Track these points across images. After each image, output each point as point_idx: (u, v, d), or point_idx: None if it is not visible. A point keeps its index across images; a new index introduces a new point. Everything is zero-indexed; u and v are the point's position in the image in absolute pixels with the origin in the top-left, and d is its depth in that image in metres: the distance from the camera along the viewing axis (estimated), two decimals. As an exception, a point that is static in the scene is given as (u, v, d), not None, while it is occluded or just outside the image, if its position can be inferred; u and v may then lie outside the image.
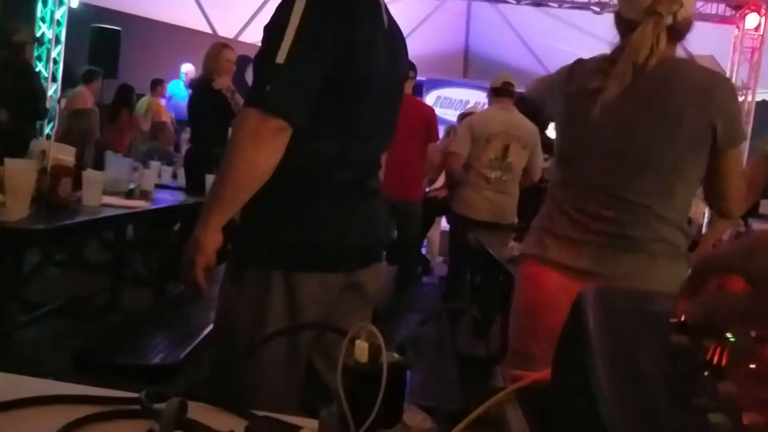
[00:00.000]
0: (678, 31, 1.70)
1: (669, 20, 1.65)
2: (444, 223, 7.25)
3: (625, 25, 1.76)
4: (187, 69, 9.28)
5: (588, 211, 1.71)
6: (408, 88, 4.54)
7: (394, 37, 1.64)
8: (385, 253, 1.77)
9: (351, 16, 1.46)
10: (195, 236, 1.45)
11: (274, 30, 1.40)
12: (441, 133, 5.56)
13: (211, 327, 2.73)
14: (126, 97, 7.40)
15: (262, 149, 1.40)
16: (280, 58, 1.37)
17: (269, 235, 1.53)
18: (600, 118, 1.67)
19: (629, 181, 1.69)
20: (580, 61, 1.85)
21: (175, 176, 4.80)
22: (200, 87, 4.63)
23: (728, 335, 0.50)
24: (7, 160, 2.25)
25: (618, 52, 1.72)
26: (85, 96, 7.29)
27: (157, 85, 8.96)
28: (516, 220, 4.41)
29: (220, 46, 4.69)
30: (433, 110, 5.17)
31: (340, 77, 1.46)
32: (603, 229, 1.69)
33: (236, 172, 1.42)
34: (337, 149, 1.52)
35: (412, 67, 4.62)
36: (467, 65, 11.82)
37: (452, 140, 5.06)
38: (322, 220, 1.53)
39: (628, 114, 1.68)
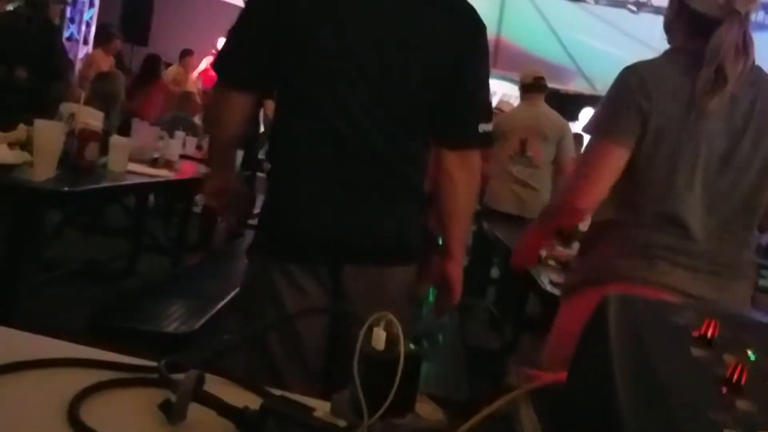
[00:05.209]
0: None
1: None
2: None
3: (693, 20, 1.59)
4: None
5: (703, 239, 1.60)
6: None
7: (401, 10, 1.49)
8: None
9: None
10: None
11: None
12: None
13: (226, 299, 2.76)
14: (155, 67, 7.36)
15: (215, 107, 1.64)
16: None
17: (261, 220, 1.58)
18: (705, 140, 1.57)
19: (739, 211, 1.61)
20: (647, 69, 1.64)
21: (200, 148, 4.82)
22: None
23: (749, 353, 0.50)
24: (37, 121, 2.27)
25: (695, 55, 1.56)
26: (99, 58, 7.28)
27: (186, 56, 8.98)
28: None
29: None
30: None
31: (292, 48, 1.46)
32: (719, 255, 1.61)
33: (207, 129, 1.74)
34: (312, 133, 1.48)
35: None
36: (498, 55, 11.74)
37: None
38: (291, 207, 1.51)
39: (732, 132, 1.57)
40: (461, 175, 1.56)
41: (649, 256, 1.61)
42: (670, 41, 1.69)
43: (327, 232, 1.48)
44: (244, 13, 1.53)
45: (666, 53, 1.66)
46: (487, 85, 1.62)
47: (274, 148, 1.60)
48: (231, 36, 1.54)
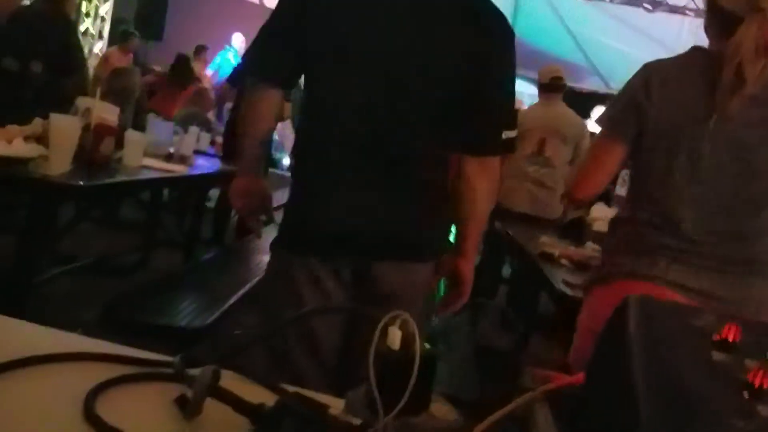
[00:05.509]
0: None
1: None
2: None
3: (722, 19, 1.54)
4: (238, 40, 9.28)
5: (704, 237, 1.58)
6: None
7: (423, 11, 1.48)
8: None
9: None
10: None
11: None
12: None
13: (238, 294, 2.77)
14: (190, 70, 7.30)
15: (246, 103, 1.65)
16: None
17: (285, 216, 1.60)
18: (711, 139, 1.53)
19: (753, 210, 1.58)
20: (654, 68, 1.63)
21: (213, 143, 4.84)
22: None
23: (771, 358, 0.49)
24: (52, 116, 2.29)
25: (713, 55, 1.54)
26: (114, 57, 7.31)
27: (200, 52, 9.01)
28: (559, 216, 4.30)
29: None
30: None
31: (317, 49, 1.49)
32: (725, 253, 1.58)
33: (238, 128, 1.73)
34: (335, 134, 1.51)
35: None
36: (511, 54, 11.64)
37: None
38: (315, 206, 1.53)
39: (748, 133, 1.53)
40: (481, 182, 1.57)
41: (651, 253, 1.62)
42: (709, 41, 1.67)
43: (350, 231, 1.49)
44: (276, 13, 1.56)
45: (687, 52, 1.64)
46: (513, 91, 1.61)
47: (299, 147, 1.62)
48: (263, 34, 1.56)
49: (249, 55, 1.62)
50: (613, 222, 1.80)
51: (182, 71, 6.94)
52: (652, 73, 1.62)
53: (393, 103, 1.47)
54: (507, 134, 1.55)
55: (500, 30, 1.54)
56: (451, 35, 1.49)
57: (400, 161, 1.50)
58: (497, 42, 1.53)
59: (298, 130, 1.63)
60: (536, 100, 4.72)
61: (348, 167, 1.50)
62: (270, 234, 1.68)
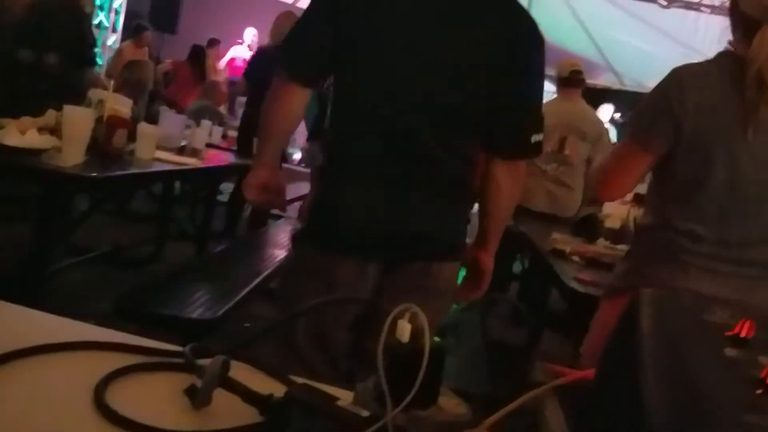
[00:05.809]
0: None
1: None
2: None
3: (744, 24, 1.52)
4: (251, 34, 9.28)
5: (734, 244, 1.56)
6: None
7: (448, 12, 1.49)
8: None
9: None
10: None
11: None
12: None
13: (249, 287, 2.78)
14: (200, 57, 7.35)
15: (275, 100, 1.60)
16: None
17: (311, 212, 1.59)
18: (746, 148, 1.51)
19: None
20: (685, 73, 1.59)
21: (225, 137, 4.85)
22: (265, 54, 4.68)
23: (785, 355, 0.49)
24: (66, 107, 2.29)
25: (740, 60, 1.51)
26: (128, 51, 7.35)
27: (212, 45, 9.04)
28: (573, 214, 4.24)
29: (292, 16, 4.74)
30: None
31: (348, 48, 1.48)
32: (754, 258, 1.56)
33: (261, 121, 1.67)
34: (366, 133, 1.51)
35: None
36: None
37: None
38: (343, 204, 1.53)
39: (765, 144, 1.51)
40: (507, 182, 1.59)
41: (676, 261, 1.60)
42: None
43: (377, 230, 1.50)
44: (309, 11, 1.55)
45: (715, 57, 1.61)
46: (541, 94, 1.62)
47: (328, 145, 1.60)
48: (296, 32, 1.56)
49: (284, 53, 1.60)
50: (640, 228, 1.79)
51: (200, 61, 6.98)
52: (687, 78, 1.58)
53: (413, 105, 1.48)
54: (536, 137, 1.56)
55: (530, 34, 1.55)
56: (475, 38, 1.50)
57: (421, 162, 1.51)
58: (529, 47, 1.54)
59: (327, 129, 1.62)
60: (551, 96, 4.66)
61: (379, 167, 1.50)
62: (281, 228, 1.68)
